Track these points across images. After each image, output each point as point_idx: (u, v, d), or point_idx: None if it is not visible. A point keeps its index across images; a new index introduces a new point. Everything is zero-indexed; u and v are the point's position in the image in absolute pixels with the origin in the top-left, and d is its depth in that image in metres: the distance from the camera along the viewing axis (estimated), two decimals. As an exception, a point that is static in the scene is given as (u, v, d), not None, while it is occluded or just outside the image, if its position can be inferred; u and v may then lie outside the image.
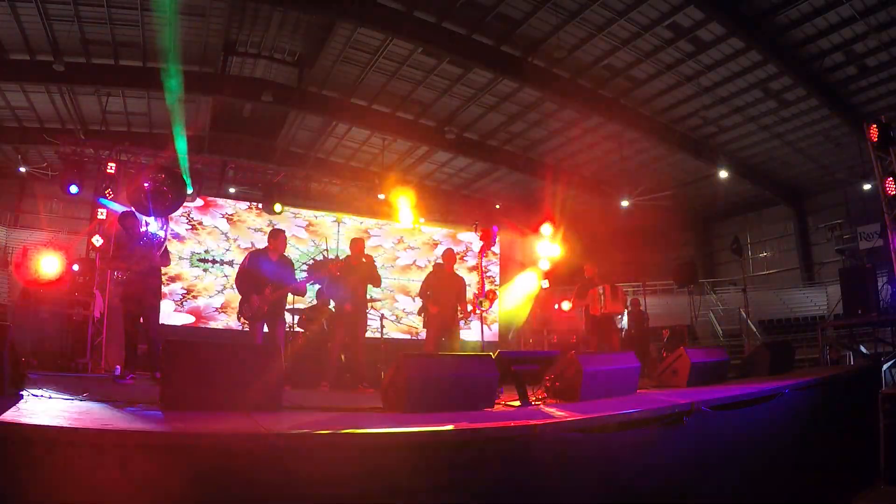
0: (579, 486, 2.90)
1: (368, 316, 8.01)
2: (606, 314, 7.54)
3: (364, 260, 6.71)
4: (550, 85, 13.16)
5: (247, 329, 6.30)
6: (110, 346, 8.38)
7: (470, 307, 6.61)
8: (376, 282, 6.75)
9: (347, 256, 6.81)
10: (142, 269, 5.31)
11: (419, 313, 6.81)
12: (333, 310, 6.83)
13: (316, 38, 12.69)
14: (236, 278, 6.22)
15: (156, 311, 5.52)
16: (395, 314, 12.10)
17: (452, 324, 6.59)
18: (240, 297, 6.03)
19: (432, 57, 12.75)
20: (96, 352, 8.16)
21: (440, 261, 7.15)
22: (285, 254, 6.32)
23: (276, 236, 6.19)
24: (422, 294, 6.77)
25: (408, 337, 11.36)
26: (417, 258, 12.26)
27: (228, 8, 11.38)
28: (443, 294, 6.59)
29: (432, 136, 15.69)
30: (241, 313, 6.01)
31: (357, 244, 6.77)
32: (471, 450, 2.58)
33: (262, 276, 5.86)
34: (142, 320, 5.42)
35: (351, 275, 6.53)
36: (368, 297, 7.14)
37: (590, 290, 7.65)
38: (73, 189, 9.38)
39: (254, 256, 6.15)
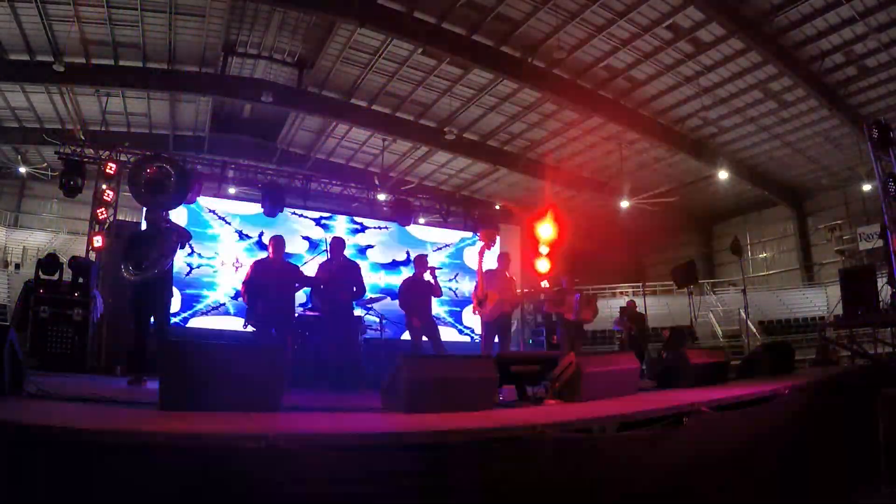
0: (579, 486, 2.90)
1: (369, 316, 8.01)
2: (580, 320, 7.73)
3: (344, 263, 6.63)
4: (550, 86, 13.19)
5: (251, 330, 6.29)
6: (110, 346, 8.40)
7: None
8: (360, 288, 6.57)
9: (330, 257, 6.71)
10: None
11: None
12: (326, 310, 6.78)
13: (316, 39, 12.71)
14: (242, 288, 6.23)
15: (166, 311, 5.39)
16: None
17: (433, 326, 6.69)
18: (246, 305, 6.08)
19: (432, 58, 12.77)
20: (96, 352, 8.16)
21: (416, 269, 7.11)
22: (286, 258, 6.33)
23: (274, 243, 6.21)
24: (402, 306, 6.76)
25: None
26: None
27: (228, 8, 11.40)
28: (420, 300, 6.64)
29: (432, 137, 15.71)
30: (247, 321, 6.05)
31: (338, 245, 6.72)
32: (471, 450, 2.58)
33: (266, 283, 5.90)
34: (152, 320, 5.30)
35: (335, 275, 6.47)
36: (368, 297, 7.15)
37: (565, 297, 7.83)
38: (73, 189, 9.36)
39: (257, 265, 6.19)
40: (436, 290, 6.70)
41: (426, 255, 7.11)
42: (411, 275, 6.97)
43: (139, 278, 5.12)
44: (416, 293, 6.68)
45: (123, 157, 9.72)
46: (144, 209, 5.49)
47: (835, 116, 13.87)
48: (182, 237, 5.37)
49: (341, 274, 6.46)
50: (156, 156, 5.49)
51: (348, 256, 6.81)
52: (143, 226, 5.57)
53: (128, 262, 5.15)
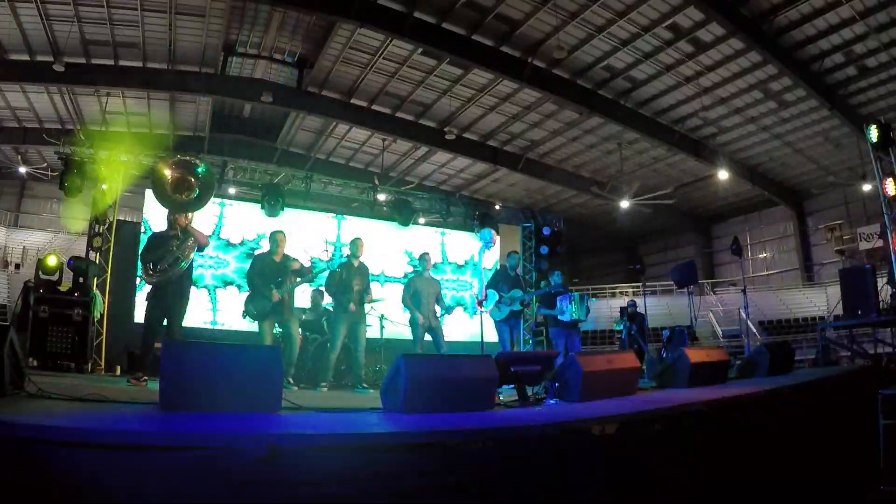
0: (579, 486, 2.90)
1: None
2: (573, 321, 7.72)
3: (358, 265, 6.68)
4: (550, 85, 13.18)
5: (254, 330, 6.31)
6: (110, 346, 8.41)
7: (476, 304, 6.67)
8: (369, 289, 6.69)
9: (349, 256, 6.78)
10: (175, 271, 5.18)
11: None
12: (334, 309, 6.84)
13: (316, 39, 12.71)
14: (247, 281, 6.26)
15: (181, 313, 5.37)
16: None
17: (436, 324, 6.75)
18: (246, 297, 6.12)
19: (432, 58, 12.76)
20: (96, 352, 8.17)
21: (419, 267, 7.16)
22: (287, 252, 6.35)
23: (275, 238, 6.23)
24: (405, 301, 6.80)
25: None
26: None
27: (228, 8, 11.39)
28: (425, 298, 6.67)
29: (432, 137, 15.70)
30: (246, 312, 6.08)
31: (358, 245, 6.77)
32: (470, 450, 2.58)
33: (266, 277, 5.93)
34: (165, 322, 5.29)
35: (353, 275, 6.55)
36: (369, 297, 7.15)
37: (556, 297, 7.81)
38: (73, 189, 9.35)
39: (258, 260, 6.20)
40: (441, 302, 6.76)
41: (429, 253, 7.14)
42: (418, 272, 7.01)
43: (157, 280, 5.13)
44: (422, 291, 6.72)
45: (123, 157, 9.73)
46: (167, 210, 5.44)
47: (835, 116, 13.87)
48: (200, 241, 5.36)
49: (355, 274, 6.53)
50: (182, 156, 5.37)
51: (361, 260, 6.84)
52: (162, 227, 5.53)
53: (146, 264, 5.16)
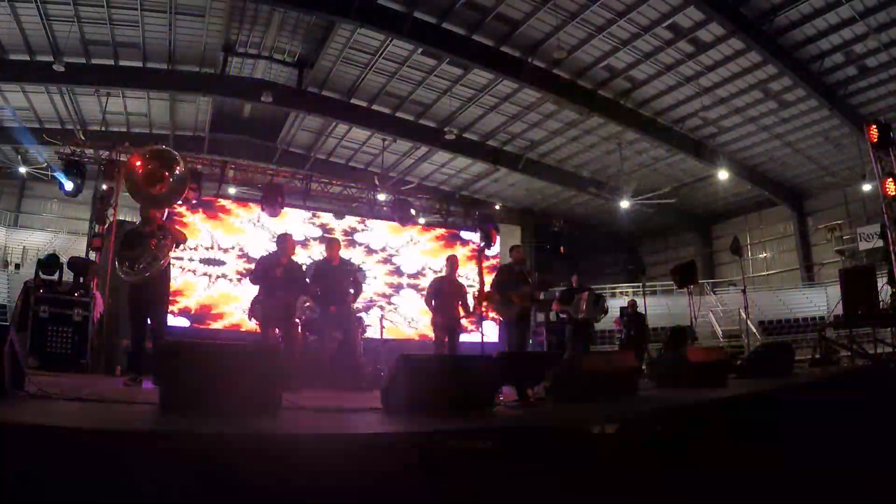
0: (580, 486, 2.90)
1: (368, 316, 8.01)
2: (588, 320, 7.72)
3: (339, 263, 6.65)
4: (550, 86, 13.19)
5: (254, 330, 6.29)
6: (110, 346, 8.40)
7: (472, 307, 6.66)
8: (357, 287, 6.68)
9: (324, 258, 6.73)
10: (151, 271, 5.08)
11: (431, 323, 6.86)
12: (318, 312, 6.80)
13: (316, 39, 12.71)
14: (252, 282, 6.18)
15: (163, 312, 5.30)
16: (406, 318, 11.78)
17: (456, 326, 6.71)
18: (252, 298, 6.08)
19: (432, 58, 12.77)
20: (96, 352, 8.16)
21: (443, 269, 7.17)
22: (293, 258, 6.29)
23: (285, 241, 6.15)
24: (427, 302, 6.82)
25: (411, 338, 11.31)
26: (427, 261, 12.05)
27: (228, 8, 11.39)
28: (447, 300, 6.66)
29: (432, 137, 15.71)
30: (252, 314, 6.03)
31: (332, 245, 6.74)
32: (470, 451, 2.58)
33: (273, 279, 5.88)
34: (149, 321, 5.24)
35: (330, 276, 6.48)
36: (371, 296, 7.17)
37: (573, 295, 7.80)
38: (72, 189, 9.36)
39: (265, 261, 6.16)
40: (465, 305, 6.74)
41: (456, 256, 7.13)
42: (443, 274, 7.01)
43: (135, 279, 5.03)
44: (445, 293, 6.70)
45: (123, 157, 9.73)
46: (139, 206, 5.27)
47: (835, 116, 13.88)
48: (177, 238, 5.26)
49: (337, 273, 6.48)
50: (152, 147, 5.11)
51: (343, 257, 6.81)
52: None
53: (122, 262, 4.99)
